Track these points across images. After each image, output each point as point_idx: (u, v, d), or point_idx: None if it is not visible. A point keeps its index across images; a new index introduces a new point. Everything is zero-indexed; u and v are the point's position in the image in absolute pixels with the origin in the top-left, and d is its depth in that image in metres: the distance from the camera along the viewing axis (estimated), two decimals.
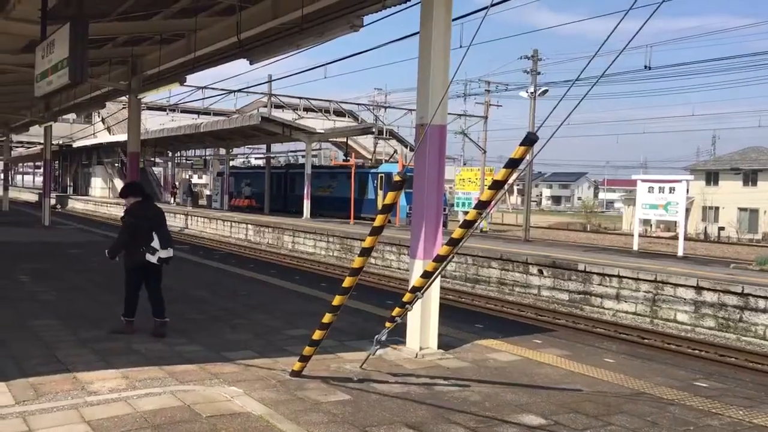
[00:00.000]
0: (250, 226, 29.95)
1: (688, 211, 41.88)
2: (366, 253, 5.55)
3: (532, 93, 30.98)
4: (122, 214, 7.49)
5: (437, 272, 5.53)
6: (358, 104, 45.20)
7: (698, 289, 13.28)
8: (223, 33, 11.61)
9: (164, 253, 7.11)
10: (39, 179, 42.53)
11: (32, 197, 53.99)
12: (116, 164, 52.77)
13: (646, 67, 24.88)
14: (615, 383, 6.16)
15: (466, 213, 4.94)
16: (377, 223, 5.51)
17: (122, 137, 33.91)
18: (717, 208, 48.88)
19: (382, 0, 7.33)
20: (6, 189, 38.43)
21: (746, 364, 10.85)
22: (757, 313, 12.43)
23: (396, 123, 45.09)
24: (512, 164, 4.66)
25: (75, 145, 53.44)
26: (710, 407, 5.51)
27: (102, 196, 54.19)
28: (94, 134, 52.23)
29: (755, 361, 11.00)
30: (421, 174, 6.99)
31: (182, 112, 43.66)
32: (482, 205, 5.09)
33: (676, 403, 5.58)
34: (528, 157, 4.76)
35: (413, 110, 6.88)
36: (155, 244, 7.05)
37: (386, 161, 39.39)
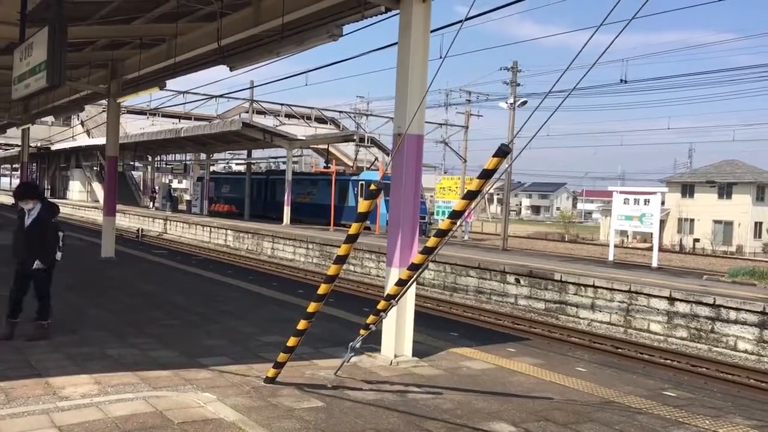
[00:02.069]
0: (229, 232, 29.82)
1: (663, 222, 42.49)
2: (341, 260, 5.59)
3: (511, 104, 31.30)
4: (35, 218, 7.17)
5: (412, 280, 5.58)
6: (339, 112, 45.24)
7: (671, 299, 13.48)
8: (203, 39, 11.60)
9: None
10: (16, 181, 42.04)
11: (8, 200, 53.29)
12: (95, 168, 52.34)
13: (621, 80, 25.33)
14: (585, 392, 6.25)
15: None
16: (352, 231, 5.55)
17: (101, 141, 33.68)
18: (692, 220, 49.61)
19: (361, 10, 7.40)
20: None
21: (717, 374, 11.03)
22: (729, 324, 12.63)
23: (377, 131, 45.34)
24: (486, 175, 4.73)
25: (53, 147, 52.96)
26: (677, 416, 5.61)
27: (80, 200, 53.73)
28: (73, 137, 51.89)
29: (726, 372, 11.18)
30: (398, 182, 7.06)
31: (163, 116, 43.46)
32: (456, 215, 5.16)
33: (644, 412, 5.67)
34: (503, 166, 4.83)
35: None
36: (60, 243, 7.32)
37: (367, 169, 39.47)
